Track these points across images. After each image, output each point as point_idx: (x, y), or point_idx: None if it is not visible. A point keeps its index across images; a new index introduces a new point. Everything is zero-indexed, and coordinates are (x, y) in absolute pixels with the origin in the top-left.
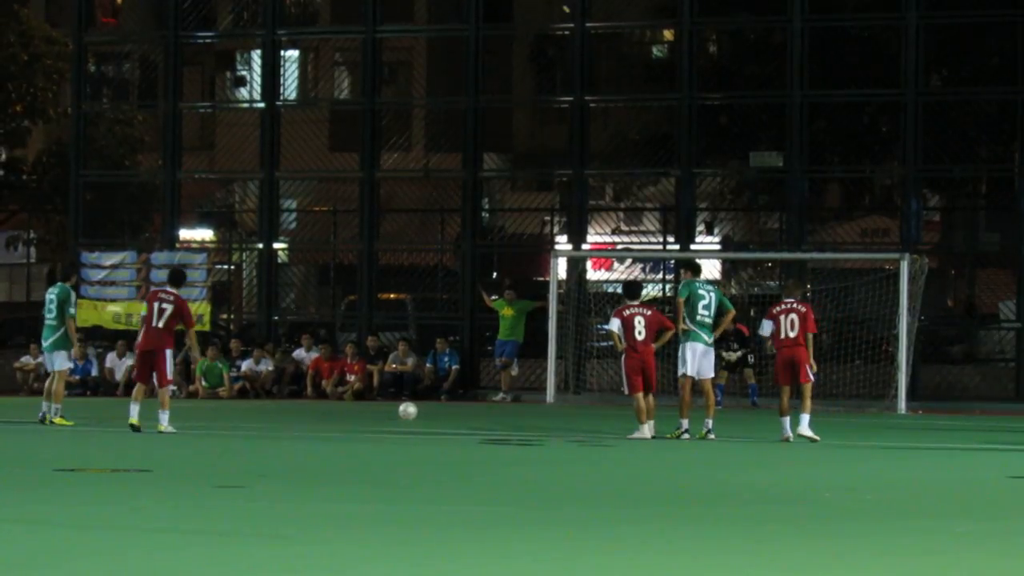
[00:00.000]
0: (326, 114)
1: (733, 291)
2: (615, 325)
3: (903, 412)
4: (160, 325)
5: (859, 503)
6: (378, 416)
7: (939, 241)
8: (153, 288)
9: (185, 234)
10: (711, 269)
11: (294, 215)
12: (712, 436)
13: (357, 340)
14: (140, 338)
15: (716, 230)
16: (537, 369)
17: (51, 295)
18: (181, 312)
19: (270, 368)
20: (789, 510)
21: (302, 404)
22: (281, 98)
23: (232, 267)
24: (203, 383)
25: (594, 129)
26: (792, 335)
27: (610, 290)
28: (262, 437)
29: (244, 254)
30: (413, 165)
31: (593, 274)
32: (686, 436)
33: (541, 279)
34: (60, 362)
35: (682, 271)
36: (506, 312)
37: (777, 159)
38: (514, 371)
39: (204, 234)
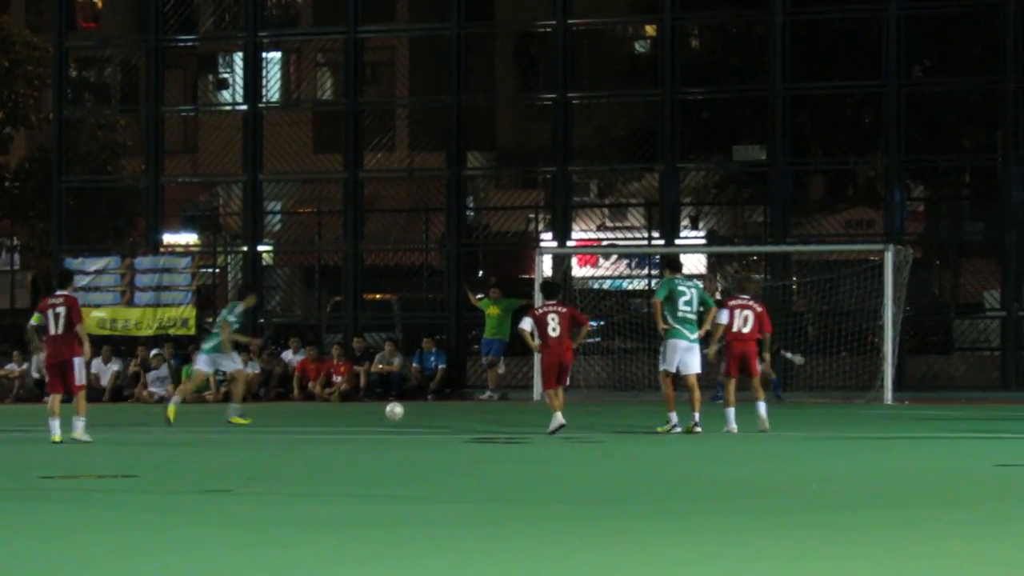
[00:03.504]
0: (309, 115)
1: (720, 285)
2: (527, 324)
3: (890, 402)
4: (60, 332)
5: (847, 494)
6: (365, 417)
7: (923, 231)
8: (45, 297)
9: (169, 238)
10: (696, 264)
11: (278, 217)
12: (699, 429)
13: (343, 341)
14: (45, 351)
15: (701, 224)
16: (524, 367)
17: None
18: (71, 310)
19: (257, 371)
20: (776, 503)
21: (289, 406)
22: (264, 100)
23: (217, 270)
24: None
25: (578, 126)
26: (745, 331)
27: (596, 287)
28: (249, 440)
29: (229, 257)
30: (397, 165)
31: (579, 271)
32: (677, 430)
33: (526, 277)
34: (229, 363)
35: (663, 270)
36: (492, 311)
37: (760, 152)
38: (501, 369)
39: (188, 238)
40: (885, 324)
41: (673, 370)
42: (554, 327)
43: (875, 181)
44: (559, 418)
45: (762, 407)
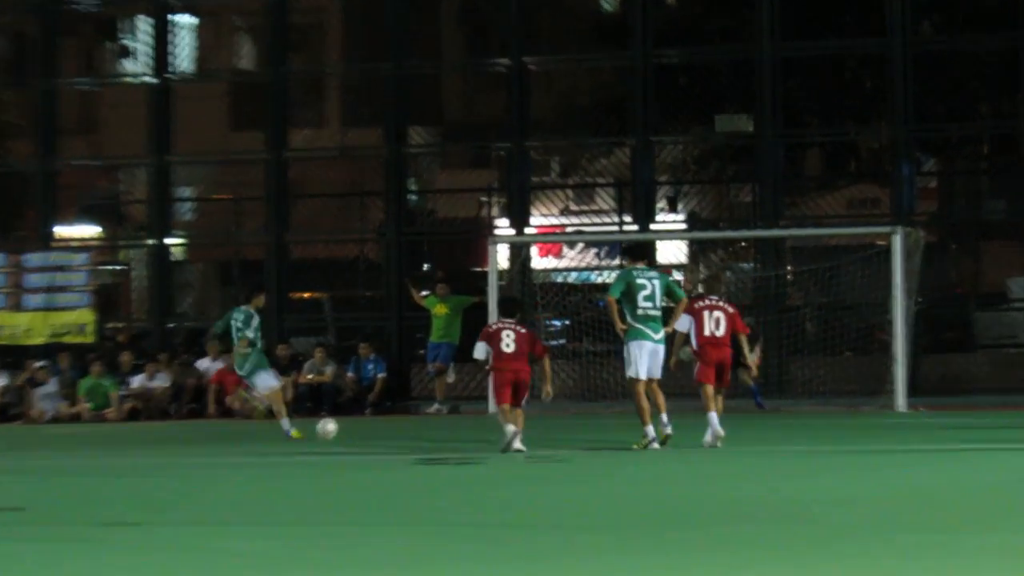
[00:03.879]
0: (226, 88)
1: (703, 275)
2: (480, 351)
3: (902, 409)
4: None
5: (855, 517)
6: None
7: (936, 211)
8: None
9: (63, 231)
10: (676, 252)
11: (190, 205)
12: (669, 431)
13: (266, 348)
14: None
15: (680, 206)
16: (477, 375)
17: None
18: None
19: (167, 384)
20: (774, 530)
21: (204, 425)
22: (173, 71)
23: (119, 268)
24: (87, 404)
25: (535, 95)
26: (719, 333)
27: (560, 280)
28: (158, 465)
29: (133, 252)
30: (327, 143)
31: (539, 262)
32: (655, 445)
33: (479, 269)
34: (265, 381)
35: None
36: (439, 310)
37: (747, 123)
38: (450, 378)
39: (86, 230)
40: (895, 319)
41: (644, 376)
42: (508, 343)
43: (880, 154)
44: (510, 431)
45: (715, 420)
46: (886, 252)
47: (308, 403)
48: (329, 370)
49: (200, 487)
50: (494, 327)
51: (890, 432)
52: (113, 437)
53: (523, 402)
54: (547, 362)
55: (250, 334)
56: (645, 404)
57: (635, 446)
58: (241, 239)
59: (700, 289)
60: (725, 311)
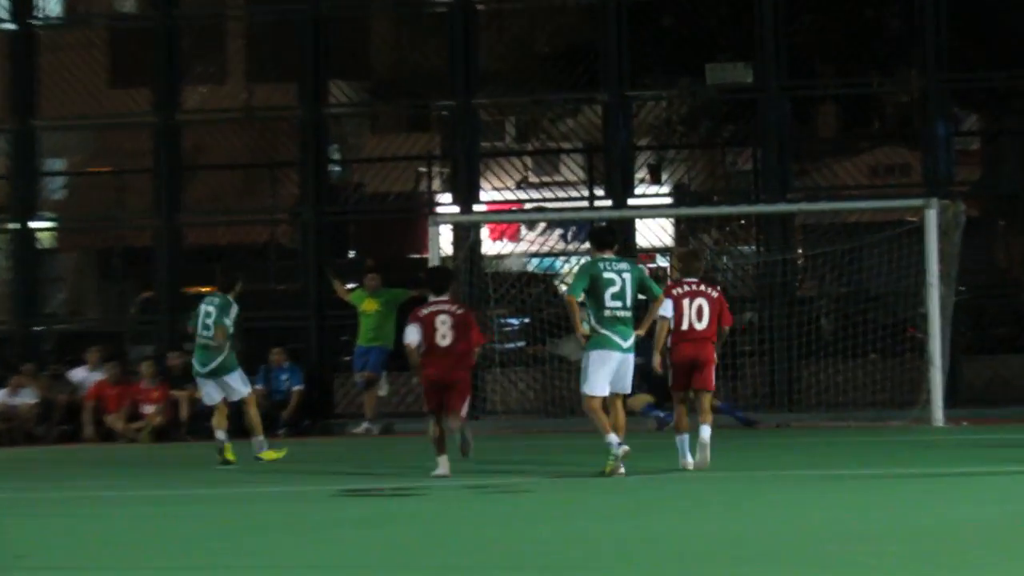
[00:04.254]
0: (103, 36)
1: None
2: (412, 335)
3: (940, 424)
4: None
5: (880, 558)
6: (188, 464)
7: (979, 179)
8: None
9: None
10: (659, 233)
11: (61, 181)
12: (625, 447)
13: (156, 355)
14: None
15: (664, 177)
16: (416, 386)
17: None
18: None
19: (33, 401)
20: (780, 573)
21: (79, 450)
22: (38, 15)
23: None
24: None
25: (484, 42)
26: (700, 326)
27: (516, 269)
28: (15, 501)
29: None
30: (229, 103)
31: (492, 246)
32: (624, 449)
33: (417, 256)
34: (241, 386)
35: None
36: (368, 306)
37: (745, 73)
38: (382, 390)
39: None
40: (930, 312)
41: (604, 394)
42: (444, 333)
43: (909, 110)
44: (441, 465)
45: (707, 433)
46: (918, 230)
47: (207, 423)
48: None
49: (69, 528)
50: (426, 311)
51: (925, 452)
52: None
53: (460, 408)
54: (475, 350)
55: (228, 323)
56: (606, 420)
57: (607, 470)
58: (124, 222)
59: (673, 272)
60: (708, 297)
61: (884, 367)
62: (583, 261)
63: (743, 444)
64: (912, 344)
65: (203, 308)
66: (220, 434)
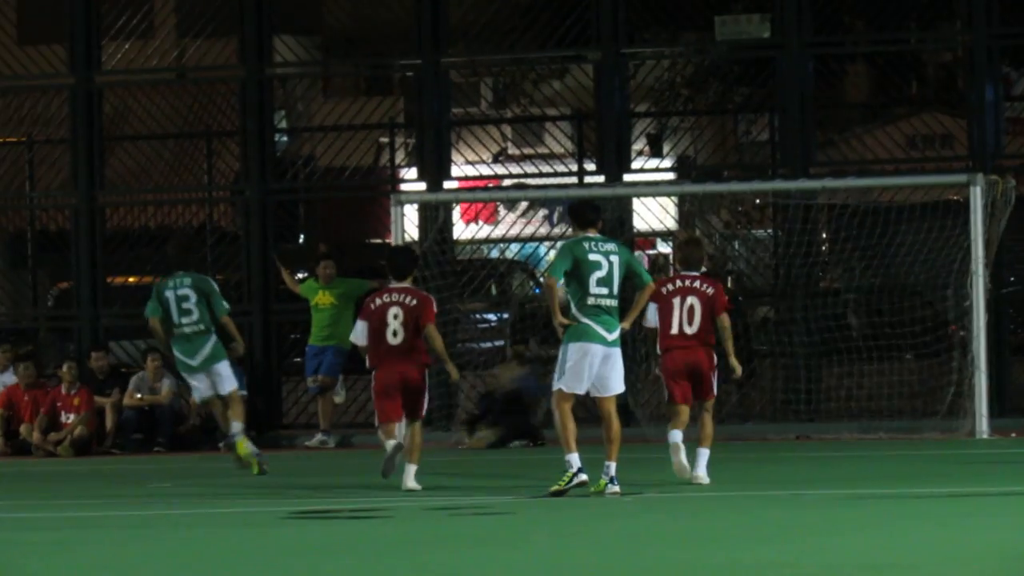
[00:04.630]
0: None
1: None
2: (359, 333)
3: (985, 435)
4: None
5: None
6: (115, 481)
7: None
8: None
9: None
10: (660, 214)
11: None
12: (616, 488)
13: (76, 356)
14: None
15: (667, 148)
16: None
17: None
18: None
19: None
20: None
21: None
22: None
23: None
24: None
25: None
26: (690, 331)
27: (495, 254)
28: None
29: None
30: (158, 62)
31: (464, 230)
32: (581, 477)
33: (378, 241)
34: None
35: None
36: (322, 299)
37: (761, 27)
38: (339, 397)
39: None
40: (974, 306)
41: (581, 391)
42: (395, 328)
43: (952, 70)
44: (392, 446)
45: (705, 458)
46: (961, 210)
47: (137, 434)
48: (165, 386)
49: None
50: (377, 302)
51: (966, 468)
52: None
53: (420, 412)
54: (436, 339)
55: (226, 304)
56: (571, 426)
57: (558, 486)
58: (36, 201)
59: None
60: (702, 294)
61: (920, 370)
62: (563, 241)
63: (757, 459)
64: (953, 343)
65: (174, 292)
66: (238, 426)
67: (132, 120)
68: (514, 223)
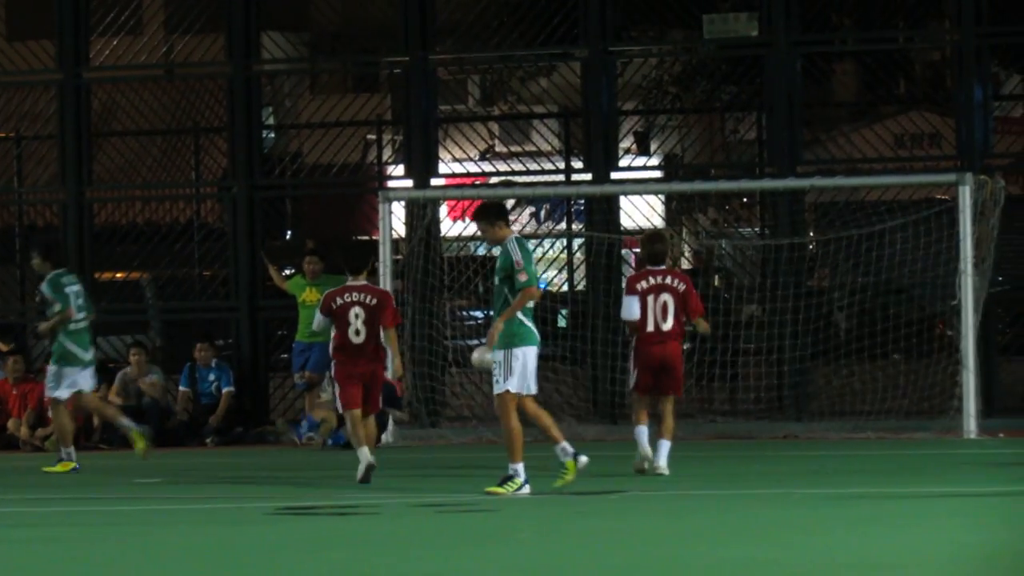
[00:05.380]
0: None
1: (687, 248)
2: (321, 324)
3: (973, 435)
4: None
5: None
6: (103, 476)
7: (1022, 151)
8: None
9: None
10: (648, 212)
11: None
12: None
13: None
14: None
15: (654, 146)
16: None
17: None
18: None
19: None
20: None
21: None
22: None
23: None
24: None
25: None
26: (666, 327)
27: (481, 251)
28: None
29: None
30: (146, 57)
31: (451, 227)
32: (526, 490)
33: (365, 238)
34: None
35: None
36: (309, 296)
37: (749, 25)
38: (325, 393)
39: None
40: (963, 305)
41: (532, 391)
42: (357, 327)
43: (940, 69)
44: (366, 455)
45: (666, 450)
46: (950, 210)
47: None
48: (151, 381)
49: None
50: (339, 301)
51: (954, 469)
52: None
53: (377, 405)
54: (392, 337)
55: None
56: (521, 431)
57: (498, 490)
58: (24, 197)
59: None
60: (673, 291)
61: (908, 370)
62: (512, 240)
63: (744, 457)
64: (942, 343)
65: (75, 287)
66: (127, 420)
67: (120, 116)
68: None
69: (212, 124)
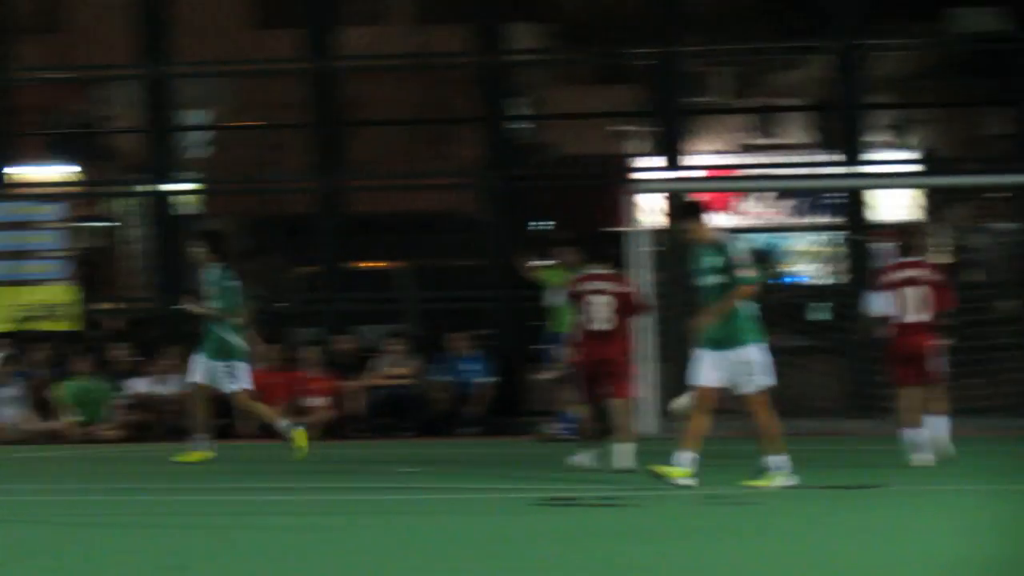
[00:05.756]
0: None
1: (941, 241)
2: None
3: None
4: None
5: None
6: (363, 464)
7: None
8: None
9: (23, 172)
10: (903, 205)
11: (202, 136)
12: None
13: (321, 340)
14: None
15: (907, 140)
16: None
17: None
18: None
19: (180, 390)
20: None
21: (234, 448)
22: None
23: (107, 225)
24: (74, 416)
25: None
26: (918, 319)
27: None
28: (167, 505)
29: (127, 203)
30: (395, 47)
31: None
32: (789, 482)
33: (613, 229)
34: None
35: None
36: (564, 286)
37: (996, 19)
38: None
39: (57, 171)
40: None
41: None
42: (602, 315)
43: None
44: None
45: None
46: None
47: (384, 418)
48: (409, 371)
49: (229, 539)
50: (583, 287)
51: None
52: (106, 464)
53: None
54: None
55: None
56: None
57: (764, 482)
58: (278, 184)
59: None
60: (927, 284)
61: None
62: (726, 238)
63: (1007, 452)
64: None
65: (237, 283)
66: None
67: (369, 105)
68: (755, 214)
69: (461, 114)
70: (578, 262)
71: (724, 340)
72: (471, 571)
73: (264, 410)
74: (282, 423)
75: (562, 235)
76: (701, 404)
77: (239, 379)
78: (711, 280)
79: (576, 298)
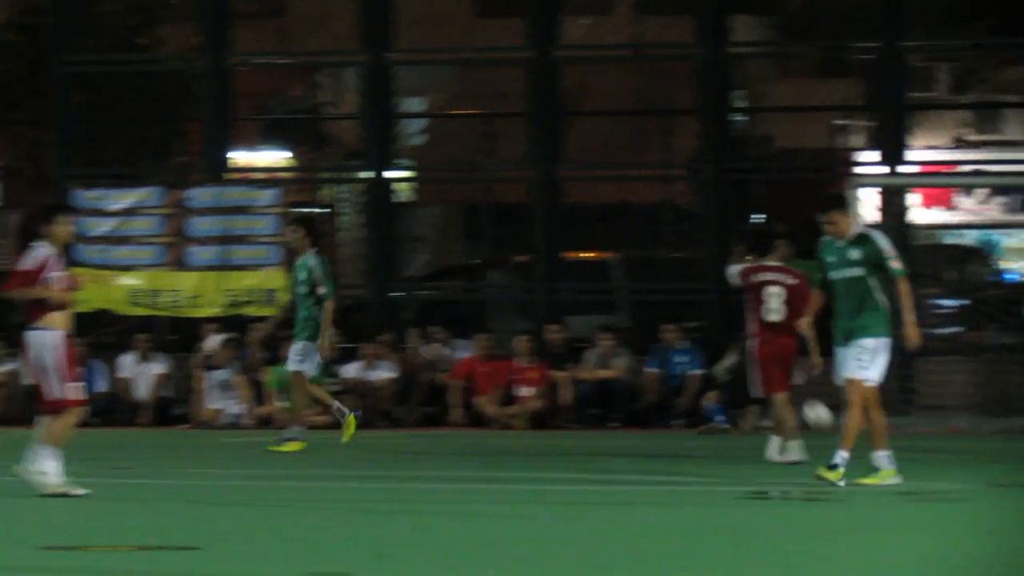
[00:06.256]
0: None
1: None
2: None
3: None
4: None
5: None
6: (572, 456)
7: None
8: None
9: (241, 157)
10: None
11: (421, 123)
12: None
13: (533, 329)
14: None
15: None
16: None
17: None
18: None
19: (391, 375)
20: None
21: (445, 435)
22: None
23: (322, 211)
24: (278, 401)
25: None
26: None
27: (953, 241)
28: (376, 492)
29: (340, 189)
30: (615, 39)
31: (922, 214)
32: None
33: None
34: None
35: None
36: None
37: None
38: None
39: (274, 157)
40: None
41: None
42: (777, 307)
43: None
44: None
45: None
46: None
47: (593, 408)
48: (621, 363)
49: (432, 527)
50: (755, 278)
51: None
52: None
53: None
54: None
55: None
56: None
57: (876, 479)
58: (494, 173)
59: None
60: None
61: None
62: (875, 231)
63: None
64: None
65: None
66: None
67: (590, 96)
68: (971, 209)
69: (681, 106)
70: (791, 256)
71: (855, 331)
72: (678, 559)
73: (319, 393)
74: (334, 405)
75: (776, 229)
76: (870, 402)
77: (308, 362)
78: (848, 273)
79: (753, 289)
